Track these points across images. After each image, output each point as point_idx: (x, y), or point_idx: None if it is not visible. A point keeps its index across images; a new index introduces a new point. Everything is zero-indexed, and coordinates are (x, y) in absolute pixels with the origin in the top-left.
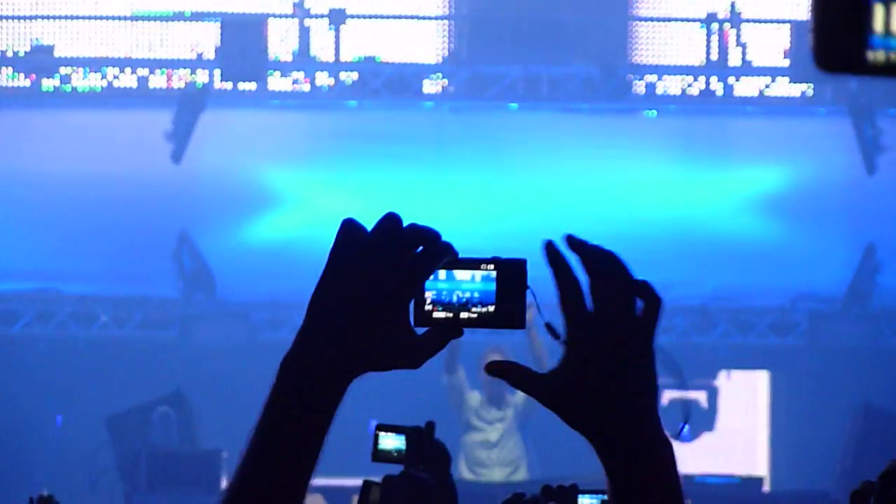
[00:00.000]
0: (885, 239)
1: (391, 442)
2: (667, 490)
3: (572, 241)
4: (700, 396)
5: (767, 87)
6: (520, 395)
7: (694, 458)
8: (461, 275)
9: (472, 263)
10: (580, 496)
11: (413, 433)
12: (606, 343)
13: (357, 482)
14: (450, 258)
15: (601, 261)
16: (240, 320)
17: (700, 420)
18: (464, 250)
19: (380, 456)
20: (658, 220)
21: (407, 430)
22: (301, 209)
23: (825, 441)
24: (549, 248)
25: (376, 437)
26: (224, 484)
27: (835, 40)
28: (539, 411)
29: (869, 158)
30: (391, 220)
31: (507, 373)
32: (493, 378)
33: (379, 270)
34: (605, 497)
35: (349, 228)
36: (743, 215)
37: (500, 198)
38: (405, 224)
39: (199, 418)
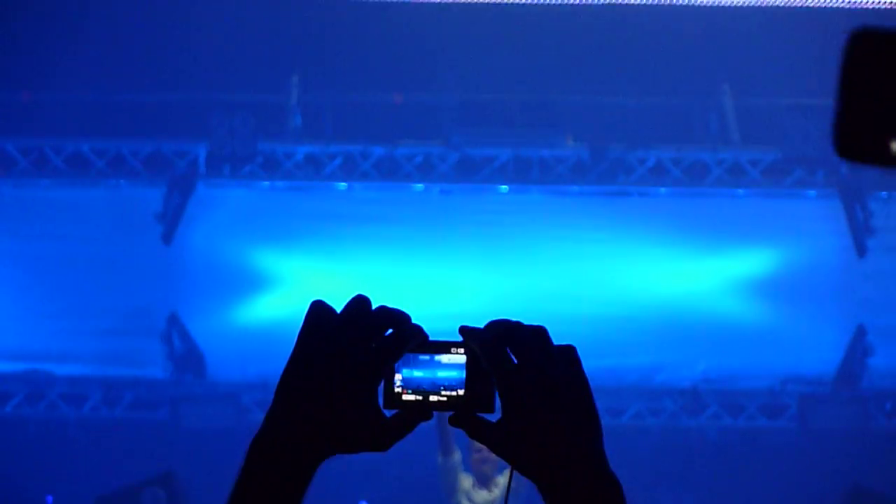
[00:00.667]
0: (875, 321)
1: None
2: None
3: (465, 332)
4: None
5: (758, 169)
6: (504, 475)
7: None
8: (431, 358)
9: (443, 346)
10: None
11: None
12: (534, 389)
13: None
14: (419, 341)
15: (495, 330)
16: (229, 402)
17: None
18: (451, 332)
19: None
20: (648, 302)
21: None
22: (291, 290)
23: None
24: (461, 330)
25: None
26: None
27: (859, 131)
28: (527, 489)
29: (859, 241)
30: (360, 302)
31: (465, 424)
32: (482, 460)
33: (347, 352)
34: None
35: (318, 310)
36: (733, 297)
37: (488, 280)
38: (374, 306)
39: (189, 499)
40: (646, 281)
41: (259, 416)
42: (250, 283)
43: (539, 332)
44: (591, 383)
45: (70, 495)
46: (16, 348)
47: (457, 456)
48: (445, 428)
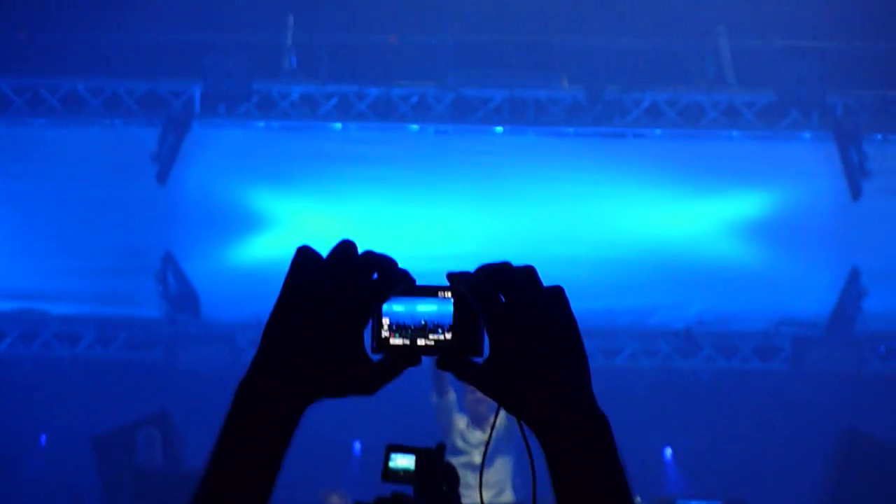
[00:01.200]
0: (870, 264)
1: (401, 461)
2: (605, 465)
3: (453, 277)
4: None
5: (753, 111)
6: (501, 417)
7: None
8: (418, 302)
9: (430, 290)
10: None
11: (423, 454)
12: (522, 327)
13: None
14: (406, 285)
15: (485, 272)
16: (224, 341)
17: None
18: (443, 274)
19: (389, 475)
20: (642, 244)
21: (417, 450)
22: (286, 230)
23: (808, 466)
24: (448, 277)
25: (387, 457)
26: None
27: None
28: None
29: (854, 183)
30: (346, 246)
31: (452, 366)
32: (476, 400)
33: (333, 297)
34: None
35: (304, 255)
36: (727, 240)
37: (483, 221)
38: (361, 251)
39: (184, 439)
40: (640, 223)
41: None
42: (245, 222)
43: (527, 272)
44: (586, 325)
45: (64, 435)
46: (10, 287)
47: (451, 396)
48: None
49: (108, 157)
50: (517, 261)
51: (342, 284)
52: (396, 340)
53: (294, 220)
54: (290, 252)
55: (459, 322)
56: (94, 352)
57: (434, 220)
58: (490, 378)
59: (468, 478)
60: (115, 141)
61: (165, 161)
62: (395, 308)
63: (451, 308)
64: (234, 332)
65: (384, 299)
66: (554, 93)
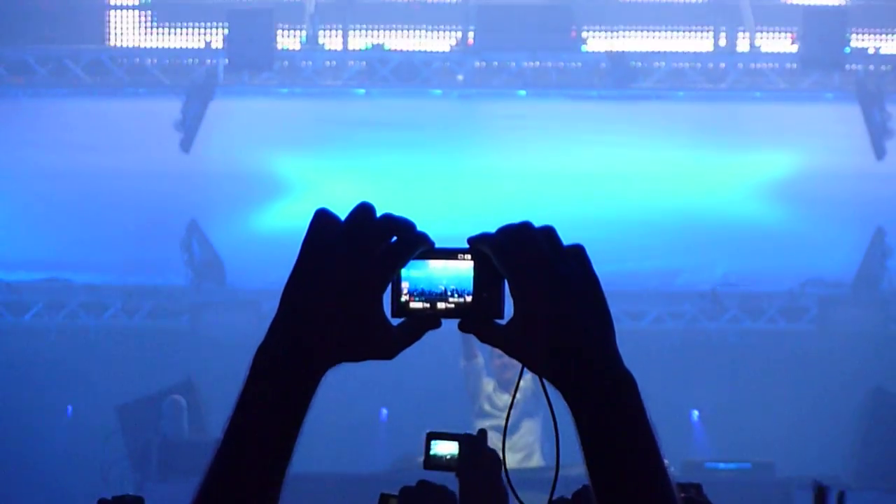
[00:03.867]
0: (894, 223)
1: (444, 448)
2: (633, 425)
3: (474, 239)
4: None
5: (776, 72)
6: (529, 380)
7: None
8: (438, 265)
9: (449, 253)
10: None
11: (465, 440)
12: (545, 287)
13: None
14: (425, 248)
15: (505, 232)
16: (250, 308)
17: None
18: (464, 238)
19: (432, 462)
20: (666, 206)
21: (459, 437)
22: (310, 197)
23: (835, 426)
24: (469, 240)
25: (428, 445)
26: None
27: None
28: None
29: (878, 143)
30: (364, 209)
31: (474, 327)
32: (503, 365)
33: (351, 260)
34: None
35: (321, 218)
36: (752, 201)
37: (508, 185)
38: (379, 214)
39: (210, 407)
40: (665, 184)
41: None
42: (269, 189)
43: (548, 232)
44: (611, 288)
45: (90, 404)
46: (35, 258)
47: (479, 360)
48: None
49: (131, 125)
50: (540, 223)
51: (360, 248)
52: (416, 304)
53: (318, 186)
54: None
55: (480, 284)
56: (119, 321)
57: (457, 183)
58: (514, 339)
59: (498, 441)
60: (138, 110)
61: (189, 129)
62: (415, 272)
63: (471, 271)
64: (260, 298)
65: (403, 263)
66: (577, 55)
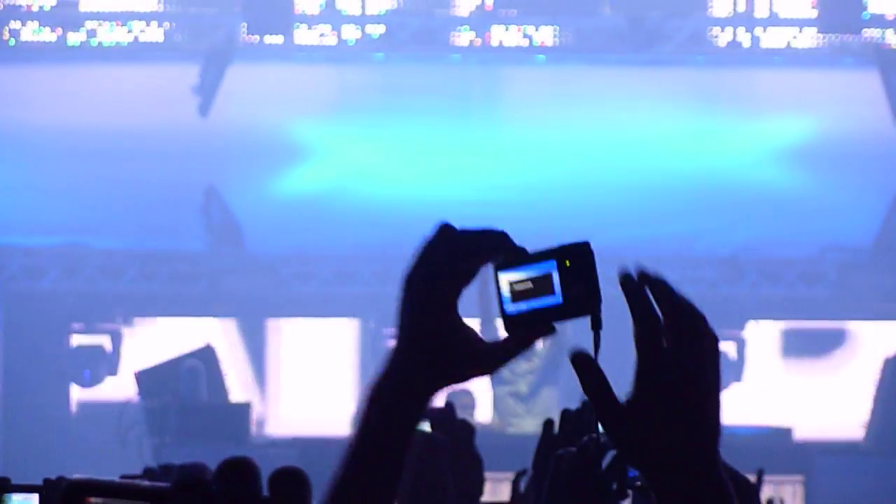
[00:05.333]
0: None
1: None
2: None
3: (649, 281)
4: (729, 347)
5: (794, 37)
6: (545, 345)
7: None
8: (523, 270)
9: (535, 257)
10: None
11: (436, 415)
12: (677, 383)
13: None
14: (508, 256)
15: (683, 307)
16: (268, 273)
17: (728, 370)
18: (493, 203)
19: None
20: (685, 171)
21: (429, 413)
22: (328, 162)
23: (852, 391)
24: (628, 281)
25: None
26: (252, 434)
27: None
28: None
29: None
30: (442, 231)
31: (589, 384)
32: None
33: (431, 283)
34: None
35: (440, 238)
36: (770, 166)
37: (528, 150)
38: (457, 229)
39: (228, 372)
40: (684, 150)
41: (298, 288)
42: (287, 153)
43: (701, 318)
44: (630, 253)
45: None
46: (52, 222)
47: (496, 325)
48: (482, 296)
49: (149, 89)
50: (564, 189)
51: (439, 271)
52: (515, 308)
53: (336, 151)
54: (332, 182)
55: (568, 284)
56: (138, 285)
57: (477, 149)
58: (631, 422)
59: (514, 407)
60: (156, 74)
61: (207, 93)
62: (510, 276)
63: (557, 272)
64: (278, 263)
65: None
66: (596, 20)
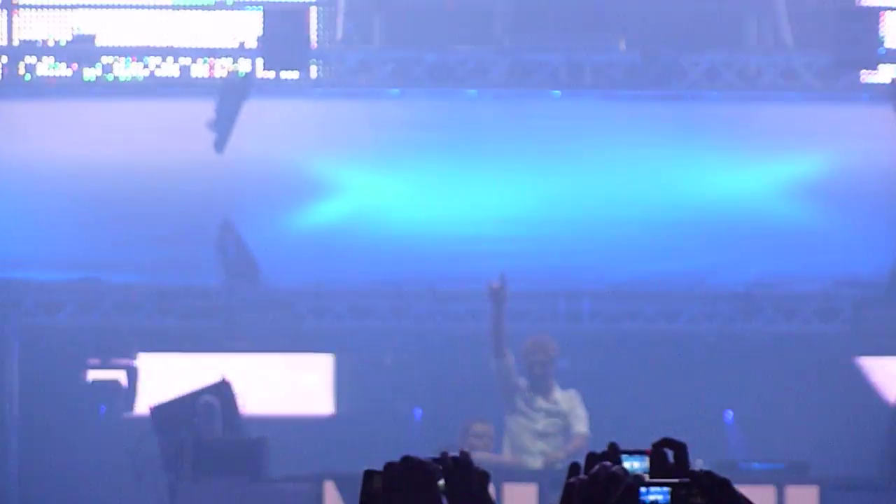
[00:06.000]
0: None
1: None
2: None
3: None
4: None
5: (811, 72)
6: (566, 398)
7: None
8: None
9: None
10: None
11: (451, 467)
12: None
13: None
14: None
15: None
16: (284, 308)
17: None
18: (508, 238)
19: None
20: (701, 206)
21: (443, 461)
22: (344, 197)
23: (868, 426)
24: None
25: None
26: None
27: None
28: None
29: None
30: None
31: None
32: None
33: None
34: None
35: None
36: (786, 201)
37: (542, 185)
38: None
39: (244, 407)
40: (699, 185)
41: (313, 324)
42: (304, 189)
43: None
44: (645, 288)
45: (124, 404)
46: (68, 257)
47: (510, 358)
48: (498, 330)
49: (165, 125)
50: (576, 223)
51: None
52: None
53: (352, 186)
54: (349, 218)
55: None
56: (153, 321)
57: (492, 184)
58: None
59: (528, 443)
60: (172, 108)
61: (223, 129)
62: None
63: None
64: (294, 298)
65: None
66: (611, 56)
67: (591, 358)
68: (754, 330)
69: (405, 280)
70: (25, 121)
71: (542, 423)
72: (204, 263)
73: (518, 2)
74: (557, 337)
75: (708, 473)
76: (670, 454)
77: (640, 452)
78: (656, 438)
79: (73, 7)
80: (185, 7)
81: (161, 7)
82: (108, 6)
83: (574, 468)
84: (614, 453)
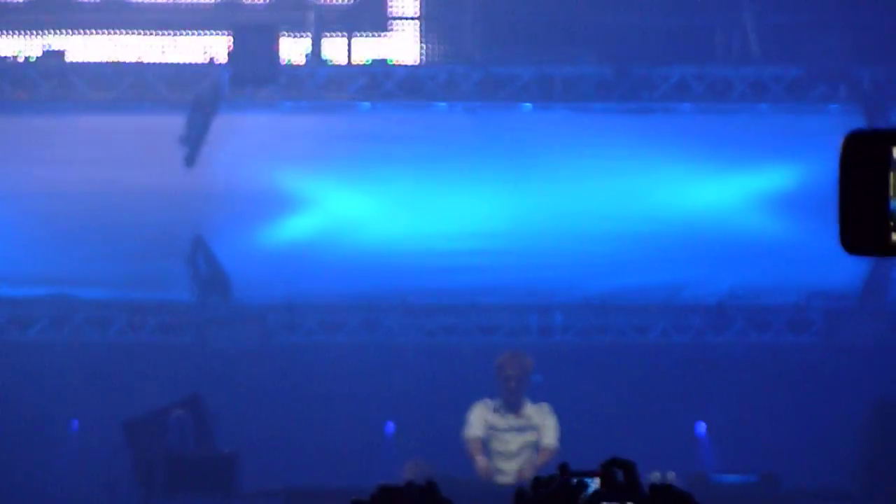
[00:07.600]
0: None
1: None
2: None
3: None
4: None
5: (781, 85)
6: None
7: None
8: None
9: None
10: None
11: (418, 494)
12: None
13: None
14: None
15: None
16: (255, 323)
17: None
18: (479, 252)
19: None
20: (672, 219)
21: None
22: (315, 211)
23: (840, 438)
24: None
25: None
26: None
27: (860, 228)
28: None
29: None
30: None
31: None
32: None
33: None
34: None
35: None
36: (757, 213)
37: (513, 198)
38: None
39: (216, 422)
40: (670, 198)
41: (285, 338)
42: (275, 204)
43: None
44: (617, 302)
45: (96, 420)
46: (40, 273)
47: (480, 461)
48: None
49: (135, 140)
50: (548, 238)
51: None
52: None
53: (323, 201)
54: (320, 232)
55: None
56: (125, 336)
57: (464, 197)
58: None
59: (505, 464)
60: (142, 124)
61: (193, 143)
62: None
63: None
64: (265, 313)
65: None
66: (582, 69)
67: (564, 371)
68: (726, 342)
69: (377, 294)
70: None
71: (514, 444)
72: (175, 279)
73: (488, 15)
74: (529, 351)
75: (668, 487)
76: (620, 473)
77: (591, 474)
78: (623, 454)
79: (42, 26)
80: (154, 25)
81: (131, 30)
82: (78, 29)
83: (536, 482)
84: (564, 475)
